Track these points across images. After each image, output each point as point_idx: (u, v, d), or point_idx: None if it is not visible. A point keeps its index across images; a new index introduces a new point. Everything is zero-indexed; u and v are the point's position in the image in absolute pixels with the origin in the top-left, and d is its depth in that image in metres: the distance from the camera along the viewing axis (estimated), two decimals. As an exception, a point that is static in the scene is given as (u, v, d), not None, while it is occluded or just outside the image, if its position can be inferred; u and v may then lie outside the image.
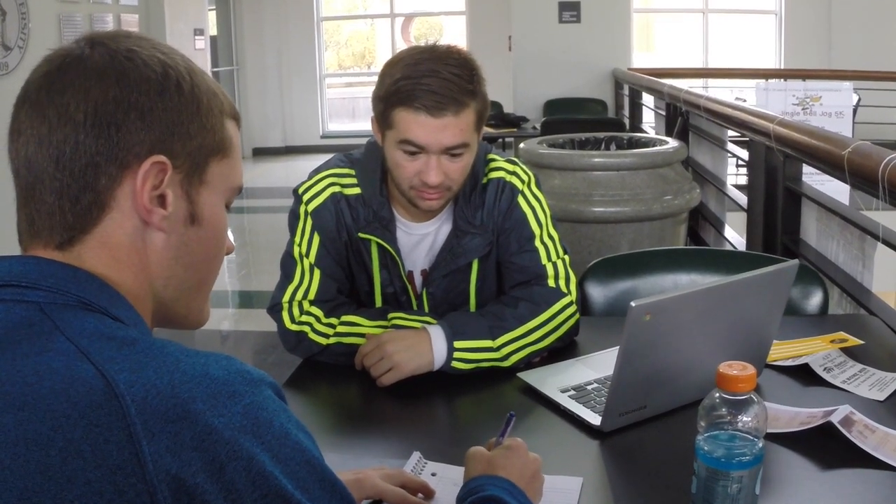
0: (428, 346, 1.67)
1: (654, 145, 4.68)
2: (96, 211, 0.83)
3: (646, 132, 7.15)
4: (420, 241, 1.85)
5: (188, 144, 0.87)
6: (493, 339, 1.70)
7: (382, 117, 1.70)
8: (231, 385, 0.75)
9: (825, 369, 1.66)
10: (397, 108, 1.66)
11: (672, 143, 4.68)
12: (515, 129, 7.81)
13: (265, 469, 0.74)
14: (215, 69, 10.93)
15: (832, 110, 4.50)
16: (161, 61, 0.86)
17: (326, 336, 1.76)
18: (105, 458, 0.69)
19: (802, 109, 4.48)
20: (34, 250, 0.84)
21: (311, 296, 1.79)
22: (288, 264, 1.82)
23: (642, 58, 11.04)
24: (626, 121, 8.48)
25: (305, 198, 1.82)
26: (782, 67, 10.62)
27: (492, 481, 1.12)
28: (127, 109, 0.83)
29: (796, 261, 1.55)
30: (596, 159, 4.43)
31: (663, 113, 6.08)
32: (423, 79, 1.63)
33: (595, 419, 1.47)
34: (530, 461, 1.19)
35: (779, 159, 3.32)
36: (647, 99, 7.57)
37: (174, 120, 0.85)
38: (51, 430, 0.70)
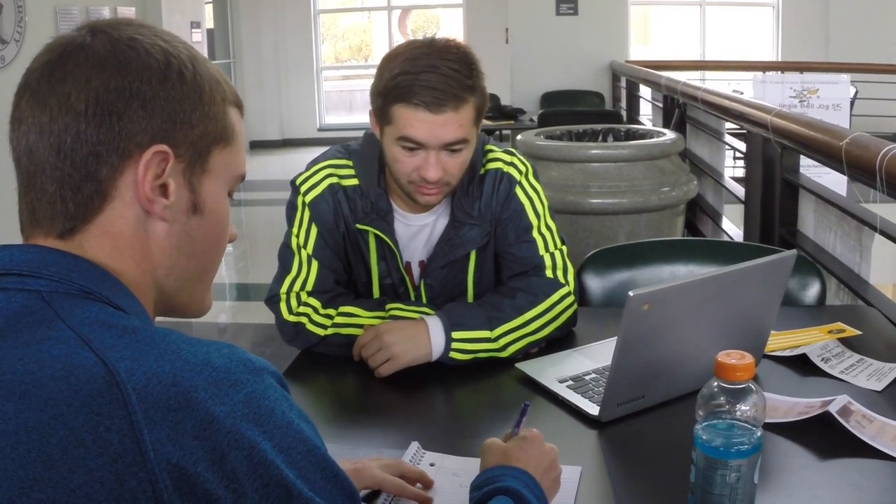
0: (426, 336, 1.67)
1: (651, 137, 4.68)
2: (98, 200, 0.83)
3: (643, 124, 7.15)
4: (418, 232, 1.85)
5: (190, 133, 0.86)
6: (491, 329, 1.70)
7: (381, 112, 1.69)
8: (233, 373, 0.75)
9: (823, 359, 1.67)
10: (396, 103, 1.65)
11: (669, 134, 4.68)
12: (513, 122, 7.80)
13: (267, 458, 0.74)
14: (212, 62, 10.90)
15: (829, 103, 4.50)
16: (163, 49, 0.86)
17: (324, 327, 1.76)
18: (106, 446, 0.69)
19: (800, 102, 4.49)
20: (35, 239, 0.84)
21: (309, 287, 1.79)
22: (286, 255, 1.82)
23: (639, 50, 11.05)
24: (624, 113, 8.50)
25: (303, 189, 1.81)
26: (779, 60, 10.63)
27: (509, 472, 1.12)
28: (128, 98, 0.82)
29: (794, 251, 1.55)
30: (593, 151, 4.44)
31: (660, 105, 6.08)
32: (422, 74, 1.62)
33: (593, 409, 1.48)
34: (546, 452, 1.19)
35: (776, 151, 3.32)
36: (645, 91, 7.58)
37: (176, 109, 0.85)
38: (51, 418, 0.70)
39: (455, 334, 1.68)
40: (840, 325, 1.81)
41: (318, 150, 1.95)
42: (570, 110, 7.97)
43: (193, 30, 9.69)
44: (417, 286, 1.86)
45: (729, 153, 5.26)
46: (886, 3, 9.92)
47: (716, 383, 1.07)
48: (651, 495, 1.27)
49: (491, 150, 1.87)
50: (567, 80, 10.27)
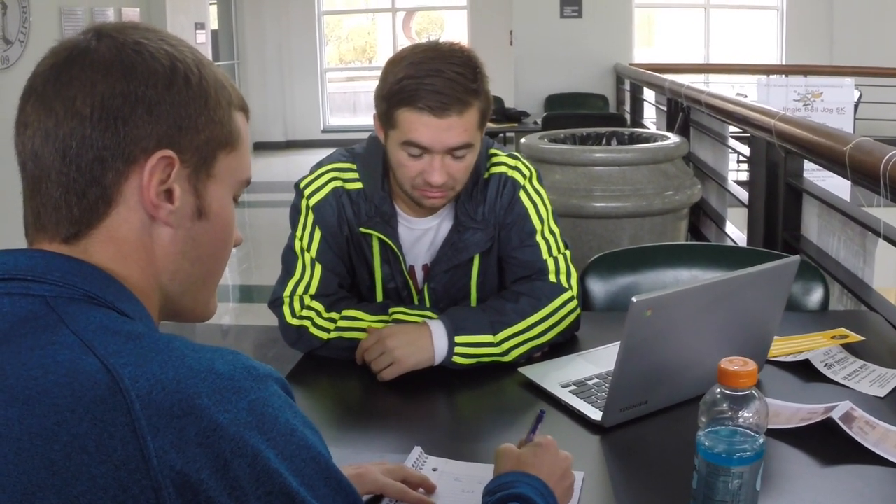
0: (429, 340, 1.67)
1: (655, 141, 4.68)
2: (103, 206, 0.83)
3: (647, 127, 7.15)
4: (421, 235, 1.85)
5: (196, 138, 0.86)
6: (494, 333, 1.70)
7: (385, 116, 1.69)
8: (237, 381, 0.75)
9: (826, 365, 1.66)
10: (401, 108, 1.65)
11: (673, 138, 4.68)
12: (516, 124, 7.80)
13: (270, 465, 0.74)
14: (216, 63, 10.90)
15: (833, 106, 4.51)
16: (169, 54, 0.86)
17: (327, 331, 1.76)
18: (110, 453, 0.69)
19: (804, 105, 4.49)
20: (40, 244, 0.84)
21: (312, 290, 1.79)
22: (289, 259, 1.82)
23: (643, 53, 11.05)
24: (628, 116, 8.49)
25: (307, 192, 1.82)
26: (784, 63, 10.62)
27: (523, 479, 1.11)
28: (134, 103, 0.82)
29: (797, 257, 1.55)
30: (597, 154, 4.44)
31: (664, 108, 6.08)
32: (427, 78, 1.62)
33: (596, 414, 1.48)
34: (560, 459, 1.19)
35: (780, 155, 3.32)
36: (649, 94, 7.57)
37: (182, 114, 0.85)
38: (55, 424, 0.70)
39: (458, 338, 1.68)
40: (843, 330, 1.81)
41: (322, 152, 1.95)
42: (573, 113, 7.98)
43: (198, 31, 9.70)
44: (421, 290, 1.86)
45: (732, 157, 5.26)
46: (891, 7, 9.91)
47: (718, 390, 1.07)
48: (653, 501, 1.27)
49: (495, 154, 1.87)
50: (571, 82, 10.27)
